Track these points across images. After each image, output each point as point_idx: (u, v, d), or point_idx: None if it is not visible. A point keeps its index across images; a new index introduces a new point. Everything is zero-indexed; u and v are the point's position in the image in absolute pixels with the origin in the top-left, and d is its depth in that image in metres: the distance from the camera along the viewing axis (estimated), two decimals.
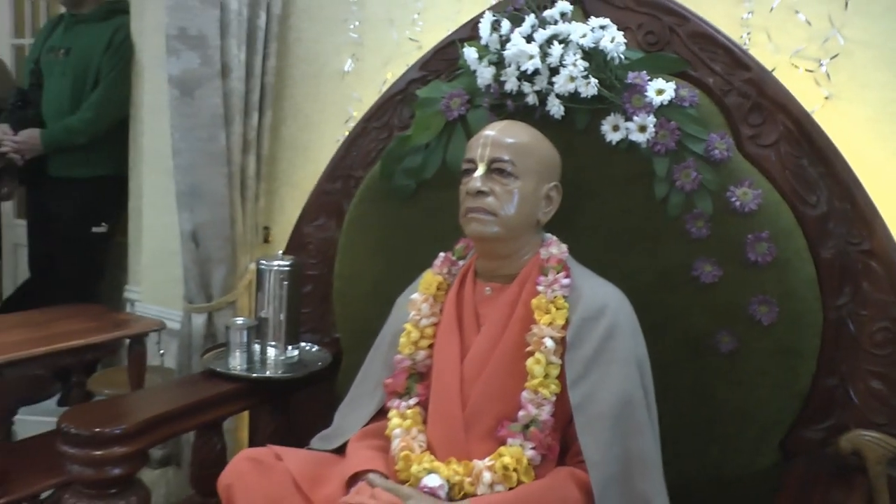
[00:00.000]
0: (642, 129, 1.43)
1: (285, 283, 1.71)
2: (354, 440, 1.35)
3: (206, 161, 2.02)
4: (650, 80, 1.43)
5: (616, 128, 1.46)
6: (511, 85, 1.51)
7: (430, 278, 1.42)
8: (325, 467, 1.30)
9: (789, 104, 1.41)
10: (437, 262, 1.45)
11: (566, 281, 1.29)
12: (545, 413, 1.23)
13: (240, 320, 1.69)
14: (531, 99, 1.50)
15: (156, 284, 2.53)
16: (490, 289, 1.36)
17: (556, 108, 1.47)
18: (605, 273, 1.45)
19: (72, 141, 2.75)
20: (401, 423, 1.31)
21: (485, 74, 1.54)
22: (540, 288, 1.29)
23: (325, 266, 1.89)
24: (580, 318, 1.26)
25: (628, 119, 1.44)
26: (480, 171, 1.30)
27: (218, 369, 1.62)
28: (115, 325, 1.83)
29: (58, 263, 2.87)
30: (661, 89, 1.42)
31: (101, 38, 2.75)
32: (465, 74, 1.61)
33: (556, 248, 1.34)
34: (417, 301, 1.40)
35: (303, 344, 1.82)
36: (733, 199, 1.38)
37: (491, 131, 1.33)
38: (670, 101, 1.41)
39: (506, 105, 1.53)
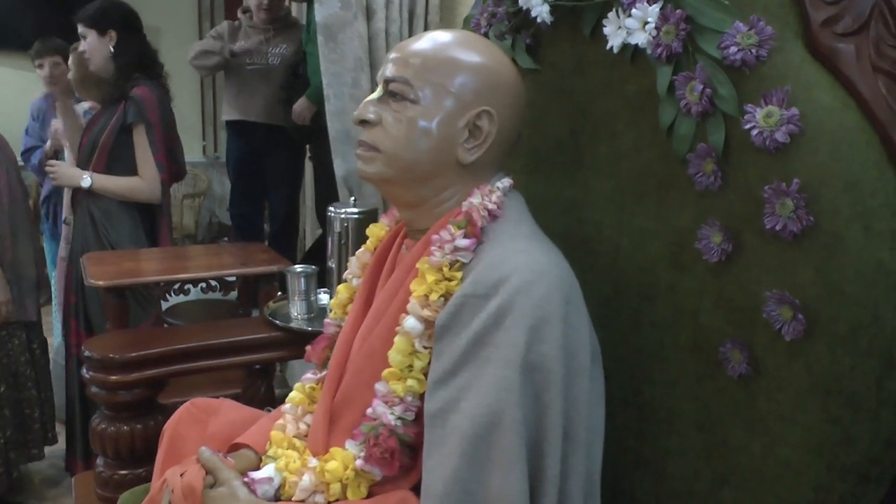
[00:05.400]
0: (645, 24, 0.95)
1: (345, 231, 1.59)
2: (279, 410, 1.20)
3: (353, 106, 1.98)
4: None
5: (620, 28, 0.99)
6: None
7: (373, 230, 1.17)
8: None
9: None
10: (390, 209, 1.18)
11: (464, 242, 0.93)
12: (390, 416, 0.92)
13: (298, 268, 1.63)
14: (522, 1, 1.10)
15: None
16: (406, 246, 1.06)
17: (538, 7, 1.06)
18: (613, 241, 1.03)
19: None
20: (293, 397, 1.12)
21: None
22: (432, 249, 0.96)
23: None
24: (462, 295, 0.91)
25: (629, 14, 0.96)
26: (374, 94, 1.01)
27: (270, 318, 1.58)
28: (241, 264, 1.92)
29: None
30: None
31: None
32: None
33: (478, 198, 0.97)
34: (353, 258, 1.17)
35: None
36: (750, 126, 0.83)
37: (404, 43, 1.02)
38: None
39: (497, 13, 1.16)
